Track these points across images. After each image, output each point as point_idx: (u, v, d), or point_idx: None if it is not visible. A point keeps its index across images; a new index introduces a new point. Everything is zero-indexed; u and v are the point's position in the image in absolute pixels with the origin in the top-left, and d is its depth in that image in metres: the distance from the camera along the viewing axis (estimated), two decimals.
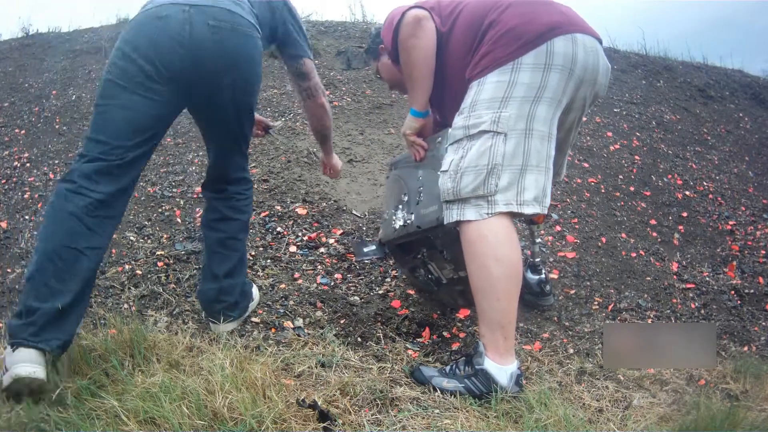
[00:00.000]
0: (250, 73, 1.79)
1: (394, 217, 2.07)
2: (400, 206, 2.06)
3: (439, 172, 1.78)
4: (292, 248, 2.55)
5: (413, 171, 2.04)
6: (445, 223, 1.75)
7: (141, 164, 1.72)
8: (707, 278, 2.78)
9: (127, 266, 2.42)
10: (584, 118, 2.09)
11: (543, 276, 2.31)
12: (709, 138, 4.54)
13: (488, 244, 1.63)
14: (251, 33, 1.76)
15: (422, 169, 1.99)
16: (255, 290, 2.15)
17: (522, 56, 1.66)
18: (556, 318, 2.31)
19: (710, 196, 3.71)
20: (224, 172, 1.97)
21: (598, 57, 1.77)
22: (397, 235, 2.05)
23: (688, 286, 2.67)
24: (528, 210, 1.66)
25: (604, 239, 2.93)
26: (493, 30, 1.72)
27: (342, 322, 2.11)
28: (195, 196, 2.97)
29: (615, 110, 4.59)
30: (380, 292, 2.33)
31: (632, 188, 3.56)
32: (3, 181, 3.21)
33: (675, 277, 2.75)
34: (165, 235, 2.65)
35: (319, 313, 2.13)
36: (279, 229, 2.68)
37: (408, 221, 1.99)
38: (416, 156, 2.01)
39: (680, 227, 3.26)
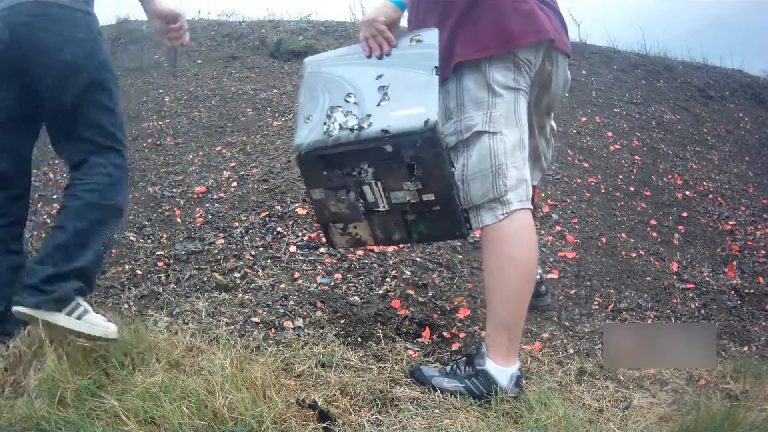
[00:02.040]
0: (55, 49, 1.70)
1: (327, 121, 1.65)
2: (340, 107, 1.65)
3: None
4: (292, 248, 2.55)
5: (361, 68, 1.69)
6: (464, 231, 1.68)
7: None
8: (707, 278, 2.78)
9: (127, 266, 2.42)
10: (554, 125, 2.06)
11: (538, 277, 2.31)
12: (709, 138, 4.54)
13: (507, 244, 1.64)
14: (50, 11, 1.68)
15: (384, 68, 1.66)
16: (101, 320, 1.72)
17: (491, 56, 1.66)
18: (556, 318, 2.31)
19: (710, 196, 3.71)
20: (69, 155, 1.82)
21: (557, 66, 1.79)
22: (335, 142, 1.62)
23: (688, 286, 2.67)
24: (530, 204, 1.69)
25: (604, 239, 2.93)
26: (471, 17, 1.68)
27: (342, 322, 2.11)
28: (195, 196, 2.97)
29: (615, 110, 4.59)
30: (380, 292, 2.33)
31: (632, 188, 3.56)
32: None
33: (675, 277, 2.75)
34: (165, 235, 2.65)
35: (319, 313, 2.13)
36: (279, 229, 2.68)
37: (364, 125, 1.60)
38: (377, 49, 1.66)
39: (680, 227, 3.26)
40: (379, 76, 1.65)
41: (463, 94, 1.69)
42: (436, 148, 1.55)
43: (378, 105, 1.61)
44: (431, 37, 1.63)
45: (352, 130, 1.61)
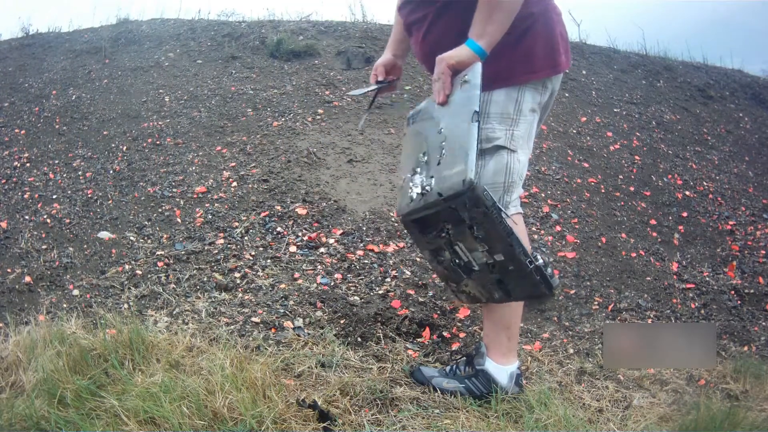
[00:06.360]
0: None
1: (411, 184, 1.57)
2: (418, 169, 1.57)
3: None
4: (292, 248, 2.55)
5: (434, 122, 1.59)
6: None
7: None
8: (707, 278, 2.78)
9: (127, 266, 2.42)
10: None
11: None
12: (709, 138, 4.54)
13: None
14: None
15: (444, 119, 1.56)
16: None
17: (528, 81, 1.66)
18: (556, 318, 2.31)
19: (710, 196, 3.71)
20: None
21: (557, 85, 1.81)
22: (414, 207, 1.54)
23: (688, 286, 2.67)
24: (521, 208, 1.79)
25: (604, 239, 2.93)
26: (527, 37, 1.65)
27: (342, 322, 2.11)
28: (195, 196, 2.97)
29: (615, 110, 4.58)
30: (380, 292, 2.33)
31: (632, 188, 3.55)
32: (3, 181, 3.21)
33: (675, 277, 2.75)
34: (165, 235, 2.65)
35: (319, 313, 2.13)
36: (279, 229, 2.68)
37: (427, 187, 1.51)
38: (437, 96, 1.57)
39: (680, 227, 3.26)
40: (440, 130, 1.55)
41: (490, 104, 1.66)
42: (479, 208, 1.42)
43: (438, 164, 1.51)
44: (475, 74, 1.50)
45: (423, 193, 1.52)
